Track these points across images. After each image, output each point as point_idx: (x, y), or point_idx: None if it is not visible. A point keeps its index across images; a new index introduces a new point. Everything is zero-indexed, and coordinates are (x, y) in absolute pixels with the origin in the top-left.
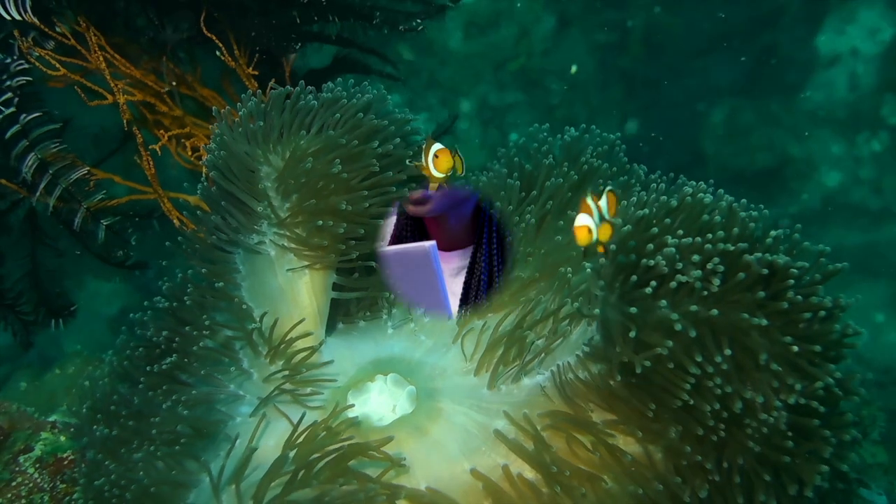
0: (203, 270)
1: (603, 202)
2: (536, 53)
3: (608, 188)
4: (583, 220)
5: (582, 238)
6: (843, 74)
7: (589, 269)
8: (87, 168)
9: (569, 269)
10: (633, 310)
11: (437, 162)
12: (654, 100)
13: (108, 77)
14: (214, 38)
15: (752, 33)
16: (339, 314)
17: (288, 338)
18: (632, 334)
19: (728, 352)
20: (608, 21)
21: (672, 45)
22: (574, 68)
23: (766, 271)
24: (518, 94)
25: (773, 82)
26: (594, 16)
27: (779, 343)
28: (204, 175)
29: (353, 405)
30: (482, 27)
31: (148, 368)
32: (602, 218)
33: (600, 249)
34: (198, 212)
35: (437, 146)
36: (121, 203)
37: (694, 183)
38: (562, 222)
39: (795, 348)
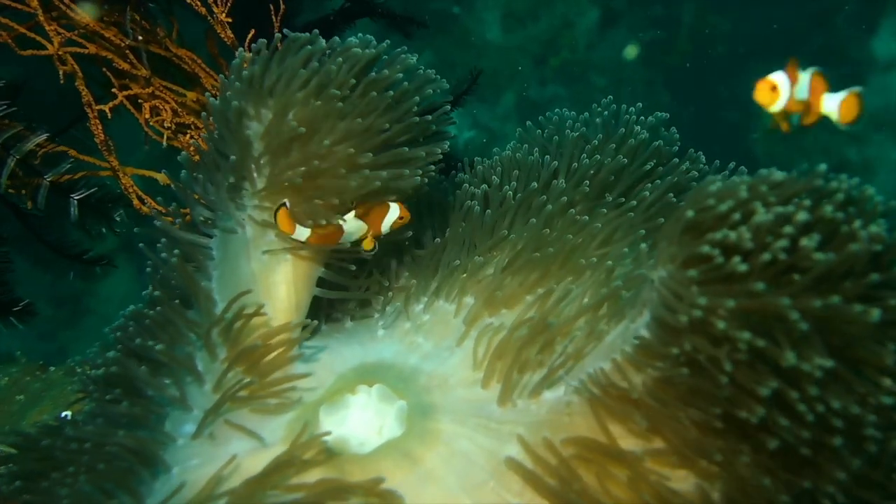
0: (174, 256)
1: (806, 76)
2: (580, 48)
3: (814, 69)
4: (775, 77)
5: (762, 96)
6: None
7: (643, 246)
8: (46, 134)
9: (606, 257)
10: (728, 304)
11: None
12: (701, 99)
13: (42, 20)
14: None
15: (804, 34)
16: (322, 312)
17: (254, 338)
18: (721, 325)
19: (829, 363)
20: (654, 16)
21: (721, 43)
22: (633, 50)
23: (879, 247)
24: (559, 89)
25: (829, 85)
26: (640, 10)
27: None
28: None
29: (329, 428)
30: (521, 19)
31: (91, 372)
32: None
33: (784, 127)
34: (173, 184)
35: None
36: (84, 180)
37: None
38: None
39: None
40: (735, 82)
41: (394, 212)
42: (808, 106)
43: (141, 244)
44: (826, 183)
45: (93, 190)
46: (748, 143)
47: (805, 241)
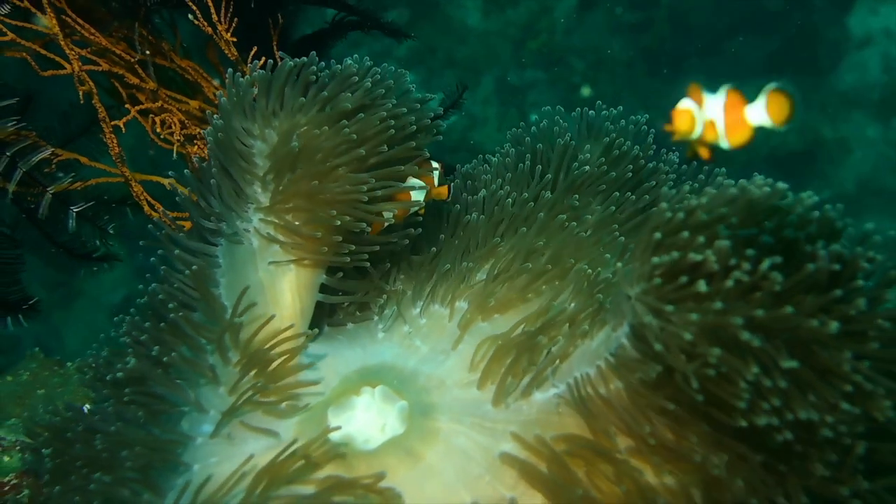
0: (180, 262)
1: (718, 98)
2: (558, 31)
3: (729, 86)
4: (686, 104)
5: (682, 124)
6: (877, 56)
7: (620, 265)
8: (51, 149)
9: (593, 265)
10: (692, 317)
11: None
12: (680, 80)
13: (62, 43)
14: None
15: (782, 13)
16: (325, 316)
17: (263, 342)
18: (687, 336)
19: (794, 364)
20: None
21: (699, 24)
22: (587, 90)
23: (837, 266)
24: (539, 73)
25: (804, 63)
26: None
27: (856, 354)
28: (176, 154)
29: (337, 427)
30: (501, 4)
31: (108, 377)
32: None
33: (703, 154)
34: (177, 197)
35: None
36: (86, 187)
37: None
38: (587, 214)
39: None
40: (713, 63)
41: (436, 171)
42: (733, 126)
43: (153, 258)
44: (785, 202)
45: (90, 203)
46: None
47: (766, 263)
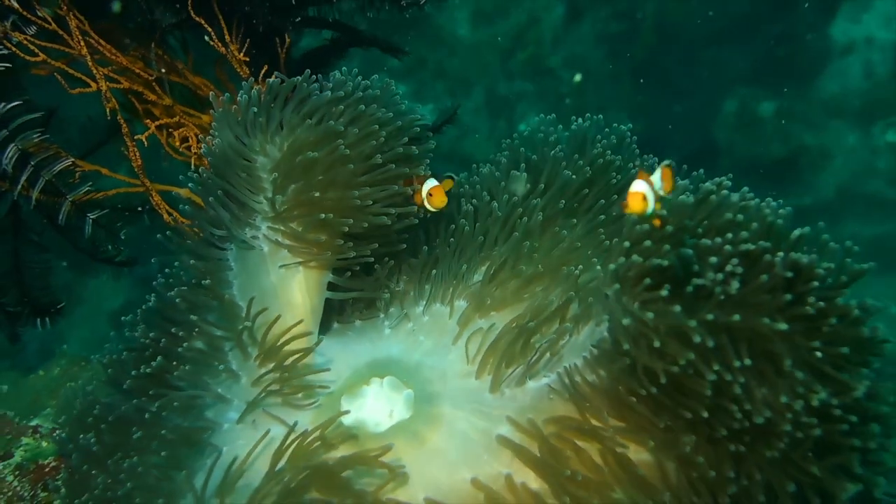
0: (193, 267)
1: (656, 177)
2: (546, 42)
3: (665, 162)
4: (638, 186)
5: (635, 205)
6: (858, 63)
7: (599, 268)
8: (72, 159)
9: (578, 266)
10: (649, 315)
11: (431, 199)
12: (665, 89)
13: (90, 63)
14: (202, 21)
15: (766, 21)
16: (334, 313)
17: (279, 339)
18: (656, 344)
19: (748, 361)
20: (619, 10)
21: (684, 34)
22: (578, 77)
23: (790, 274)
24: (527, 84)
25: (787, 71)
26: (605, 4)
27: (802, 349)
28: (194, 166)
29: (347, 411)
30: (490, 16)
31: (133, 372)
32: (657, 193)
33: (656, 223)
34: (186, 206)
35: (431, 183)
36: (107, 196)
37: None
38: (574, 219)
39: (819, 354)
40: (698, 72)
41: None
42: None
43: (167, 269)
44: (746, 211)
45: (105, 211)
46: (710, 132)
47: (722, 271)
